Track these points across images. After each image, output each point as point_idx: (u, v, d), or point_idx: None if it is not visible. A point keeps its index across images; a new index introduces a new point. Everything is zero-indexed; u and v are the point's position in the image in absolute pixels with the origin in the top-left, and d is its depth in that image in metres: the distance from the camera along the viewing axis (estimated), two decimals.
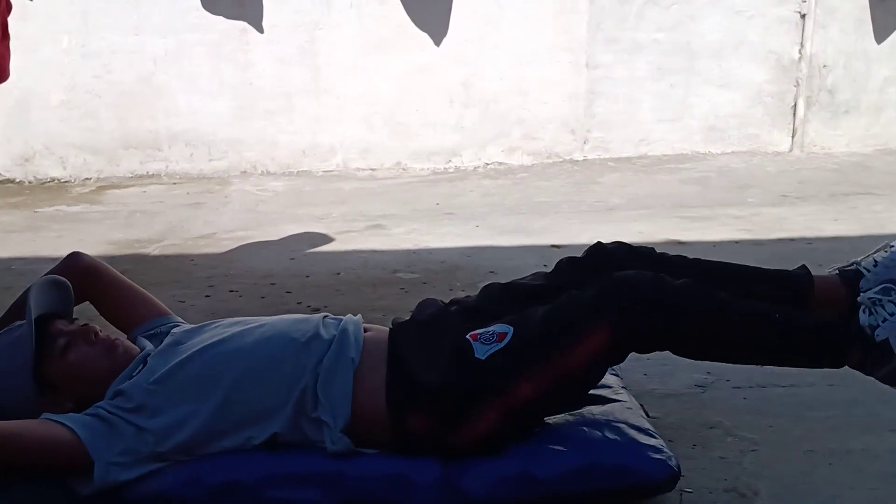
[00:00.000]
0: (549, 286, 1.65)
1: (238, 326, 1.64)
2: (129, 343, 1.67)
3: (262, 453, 1.52)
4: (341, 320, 1.65)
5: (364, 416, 1.52)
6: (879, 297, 1.53)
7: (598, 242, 1.73)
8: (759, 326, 1.51)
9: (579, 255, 1.73)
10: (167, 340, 1.64)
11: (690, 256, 1.74)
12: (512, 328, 1.51)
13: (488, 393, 1.48)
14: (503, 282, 1.74)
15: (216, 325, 1.68)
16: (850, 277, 1.66)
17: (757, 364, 1.59)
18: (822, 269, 2.83)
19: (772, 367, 1.59)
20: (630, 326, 1.46)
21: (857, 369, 1.54)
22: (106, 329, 1.72)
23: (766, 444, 1.71)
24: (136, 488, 1.47)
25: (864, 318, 1.53)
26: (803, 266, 1.73)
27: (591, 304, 1.48)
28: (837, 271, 1.70)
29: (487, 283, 1.76)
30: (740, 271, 1.72)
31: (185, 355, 1.57)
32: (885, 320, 1.50)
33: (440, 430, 1.49)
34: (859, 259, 1.68)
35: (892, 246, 1.65)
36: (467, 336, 1.52)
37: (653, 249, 1.73)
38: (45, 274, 1.80)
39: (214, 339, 1.60)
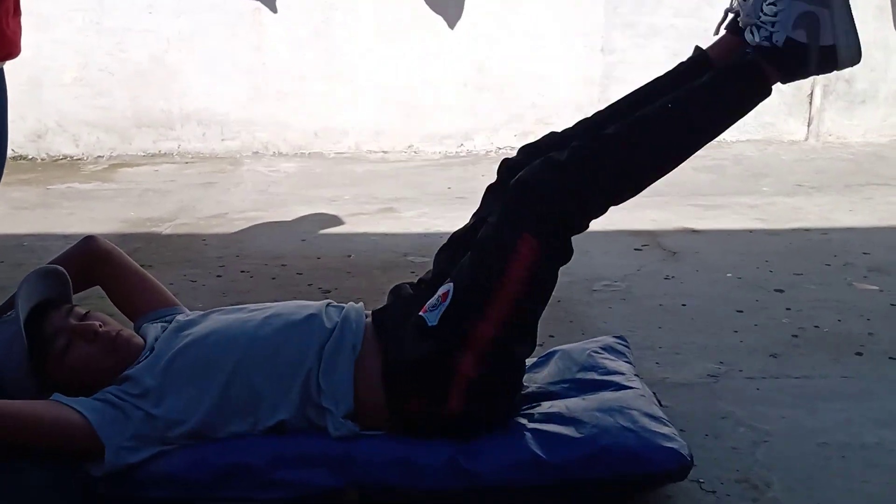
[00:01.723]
0: (479, 223, 1.63)
1: (241, 312, 1.65)
2: (132, 336, 1.63)
3: (269, 436, 1.52)
4: (343, 307, 1.65)
5: (366, 403, 1.53)
6: (759, 9, 1.50)
7: (504, 159, 1.71)
8: (661, 126, 1.49)
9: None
10: (172, 326, 1.63)
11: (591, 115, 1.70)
12: (452, 283, 1.51)
13: (453, 350, 1.47)
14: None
15: (220, 311, 1.69)
16: (735, 25, 1.60)
17: (699, 146, 1.55)
18: (837, 259, 2.84)
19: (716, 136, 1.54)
20: (544, 220, 1.45)
21: (785, 81, 1.52)
22: (106, 315, 1.68)
23: (779, 435, 1.70)
24: (146, 469, 1.47)
25: (752, 36, 1.51)
26: (696, 47, 1.68)
27: (501, 223, 1.47)
28: (724, 30, 1.65)
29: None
30: (635, 96, 1.67)
31: (187, 340, 1.57)
32: (773, 24, 1.48)
33: (433, 406, 1.49)
34: (731, 4, 1.63)
35: None
36: (420, 313, 1.52)
37: (553, 133, 1.70)
38: (60, 254, 1.80)
39: (217, 325, 1.60)
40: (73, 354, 1.55)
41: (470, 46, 4.64)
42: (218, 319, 1.63)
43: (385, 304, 1.69)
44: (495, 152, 4.71)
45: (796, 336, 2.22)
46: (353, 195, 3.84)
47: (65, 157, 4.67)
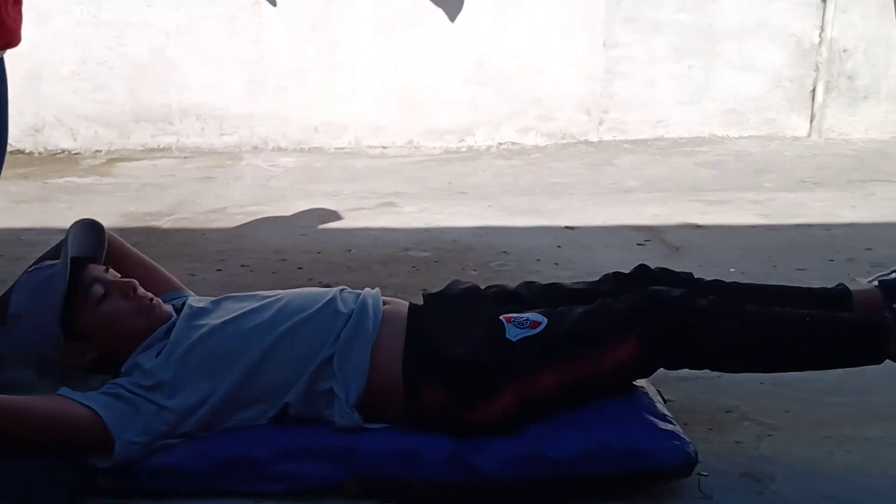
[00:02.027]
0: (590, 292, 1.69)
1: (255, 301, 1.63)
2: (162, 304, 1.65)
3: (271, 428, 1.52)
4: (360, 294, 1.64)
5: (378, 389, 1.52)
6: None
7: (643, 264, 1.79)
8: (789, 331, 1.54)
9: (626, 271, 1.79)
10: (185, 313, 1.62)
11: (728, 281, 1.79)
12: (546, 319, 1.54)
13: (511, 375, 1.49)
14: (543, 281, 1.79)
15: (233, 298, 1.67)
16: (890, 285, 1.69)
17: (797, 370, 1.61)
18: (839, 254, 2.83)
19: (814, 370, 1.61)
20: (657, 340, 1.50)
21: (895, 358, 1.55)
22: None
23: (782, 429, 1.69)
24: (148, 461, 1.47)
25: None
26: (841, 284, 1.76)
27: (624, 314, 1.52)
28: (878, 282, 1.73)
29: (528, 280, 1.81)
30: (776, 290, 1.77)
31: (202, 332, 1.56)
32: None
33: (455, 406, 1.49)
34: None
35: None
36: (501, 317, 1.55)
37: (691, 274, 1.78)
38: (59, 243, 1.79)
39: (232, 315, 1.59)
40: (107, 305, 1.56)
41: (471, 41, 4.62)
42: (232, 308, 1.62)
43: (441, 290, 1.72)
44: (496, 147, 4.69)
45: None
46: (352, 190, 3.83)
47: (63, 151, 4.65)
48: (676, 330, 1.50)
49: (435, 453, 1.46)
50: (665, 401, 1.65)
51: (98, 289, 1.56)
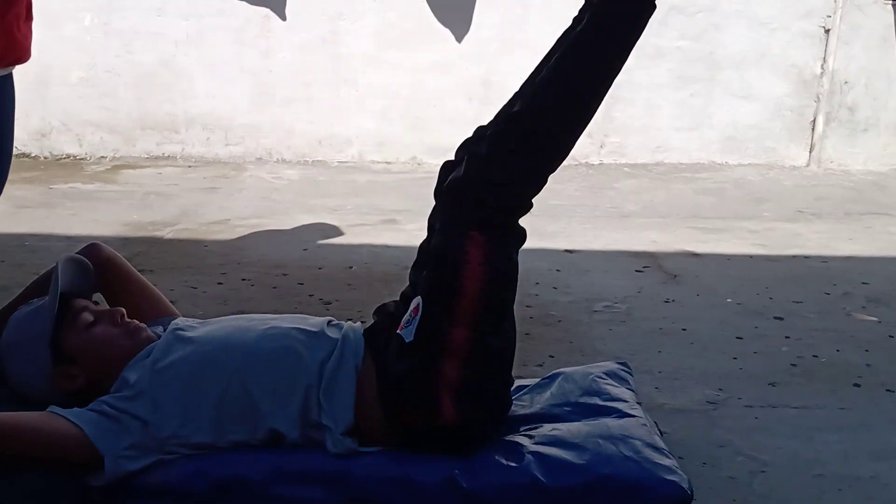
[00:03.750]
0: (430, 231, 1.66)
1: (241, 321, 1.66)
2: (149, 331, 1.67)
3: (268, 450, 1.53)
4: (343, 326, 1.66)
5: (365, 420, 1.54)
6: None
7: (445, 162, 1.70)
8: (559, 84, 1.55)
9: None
10: (170, 329, 1.65)
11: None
12: (420, 296, 1.53)
13: (434, 361, 1.49)
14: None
15: (219, 320, 1.70)
16: None
17: (600, 86, 1.60)
18: (836, 288, 2.85)
19: (619, 69, 1.59)
20: (482, 214, 1.48)
21: None
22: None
23: (776, 465, 1.71)
24: (144, 479, 1.47)
25: None
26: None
27: (446, 228, 1.52)
28: None
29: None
30: (540, 69, 1.70)
31: (186, 348, 1.58)
32: None
33: (429, 419, 1.50)
34: None
35: None
36: (397, 331, 1.55)
37: (480, 126, 1.69)
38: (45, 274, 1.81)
39: (215, 333, 1.61)
40: (96, 329, 1.60)
41: (476, 60, 4.65)
42: (217, 328, 1.64)
43: (372, 322, 1.70)
44: None
45: (795, 365, 2.23)
46: (355, 205, 3.84)
47: (68, 157, 4.67)
48: (483, 193, 1.48)
49: (432, 479, 1.47)
50: (661, 433, 1.66)
51: (87, 316, 1.61)
